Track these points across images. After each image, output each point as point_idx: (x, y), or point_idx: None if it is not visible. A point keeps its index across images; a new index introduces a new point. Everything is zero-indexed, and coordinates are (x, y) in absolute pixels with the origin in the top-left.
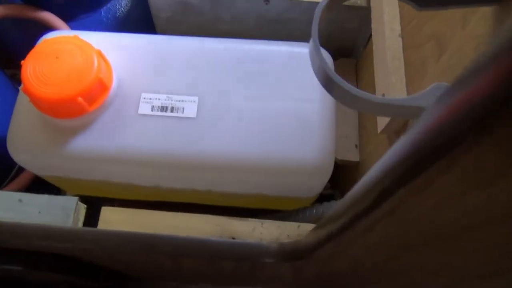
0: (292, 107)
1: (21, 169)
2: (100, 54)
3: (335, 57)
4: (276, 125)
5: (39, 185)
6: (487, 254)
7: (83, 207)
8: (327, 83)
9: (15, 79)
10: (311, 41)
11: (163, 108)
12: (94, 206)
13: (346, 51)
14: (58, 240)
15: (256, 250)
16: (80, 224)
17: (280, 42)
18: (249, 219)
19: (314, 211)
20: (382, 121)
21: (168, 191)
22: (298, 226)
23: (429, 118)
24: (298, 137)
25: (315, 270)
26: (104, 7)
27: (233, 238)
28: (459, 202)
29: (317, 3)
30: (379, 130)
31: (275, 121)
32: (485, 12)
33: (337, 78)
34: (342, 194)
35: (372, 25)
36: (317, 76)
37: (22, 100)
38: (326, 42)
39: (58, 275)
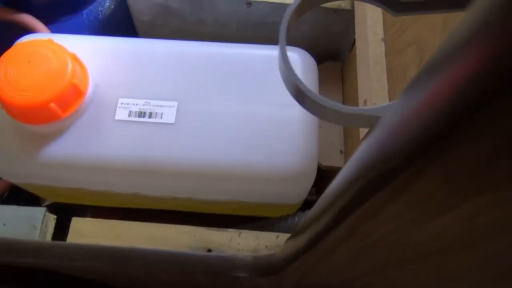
0: (273, 112)
1: None
2: (75, 58)
3: (321, 60)
4: (257, 130)
5: (16, 193)
6: (457, 276)
7: (52, 218)
8: (298, 94)
9: None
10: (279, 48)
11: (141, 114)
12: (67, 212)
13: (332, 55)
14: (22, 255)
15: (230, 264)
16: (48, 236)
17: (261, 46)
18: (227, 229)
19: (296, 219)
20: (364, 129)
21: (147, 198)
22: (277, 237)
23: (373, 141)
24: (279, 142)
25: (291, 285)
26: (86, 10)
27: (209, 250)
28: (416, 228)
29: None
30: (361, 137)
31: (256, 126)
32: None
33: (307, 90)
34: None
35: (356, 29)
36: (286, 87)
37: None
38: (312, 45)
39: None
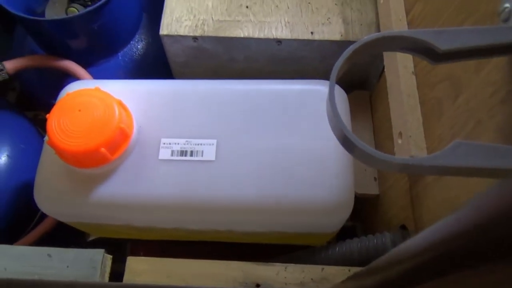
0: (308, 146)
1: (44, 215)
2: (120, 104)
3: (347, 89)
4: (293, 164)
5: (62, 229)
6: None
7: (109, 259)
8: (346, 144)
9: (37, 120)
10: (327, 102)
11: (183, 153)
12: (119, 247)
13: (359, 84)
14: None
15: None
16: (106, 276)
17: (293, 81)
18: (273, 264)
19: (337, 249)
20: None
21: (188, 232)
22: (322, 269)
23: (468, 216)
24: (315, 175)
25: None
26: (121, 51)
27: (258, 285)
28: None
29: (328, 41)
30: None
31: (292, 159)
32: (498, 61)
33: (357, 141)
34: (363, 226)
35: (385, 62)
36: (336, 136)
37: (47, 151)
38: (340, 76)
39: None
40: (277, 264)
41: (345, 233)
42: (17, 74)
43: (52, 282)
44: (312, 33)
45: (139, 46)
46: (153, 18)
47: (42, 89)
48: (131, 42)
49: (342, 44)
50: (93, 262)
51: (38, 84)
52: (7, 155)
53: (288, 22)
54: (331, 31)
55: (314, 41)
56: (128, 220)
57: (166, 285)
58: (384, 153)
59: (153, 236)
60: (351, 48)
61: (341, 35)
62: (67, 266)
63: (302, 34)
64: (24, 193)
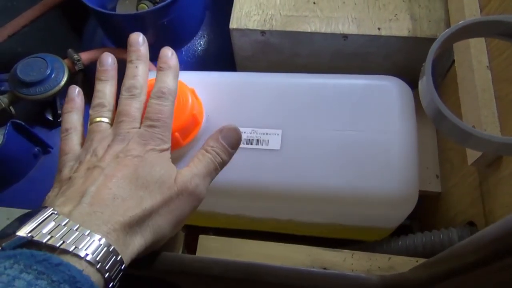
0: (372, 138)
1: None
2: (193, 93)
3: (412, 86)
4: (357, 156)
5: None
6: None
7: (182, 235)
8: (436, 117)
9: None
10: (424, 78)
11: (249, 141)
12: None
13: None
14: (165, 265)
15: (355, 282)
16: (179, 251)
17: (358, 76)
18: (340, 250)
19: (392, 244)
20: (474, 154)
21: (251, 220)
22: (389, 258)
23: None
24: (380, 168)
25: None
26: (185, 47)
27: (324, 268)
28: None
29: (395, 37)
30: (469, 162)
31: (356, 152)
32: None
33: (448, 113)
34: (420, 224)
35: (456, 57)
36: (427, 110)
37: None
38: (403, 73)
39: None
40: (344, 250)
41: (402, 231)
42: (88, 69)
43: None
44: (379, 29)
45: (201, 42)
46: (216, 15)
47: None
48: (194, 38)
49: (409, 41)
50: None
51: None
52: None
53: (355, 18)
54: (399, 27)
55: (381, 36)
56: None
57: (242, 261)
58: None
59: (218, 223)
60: (448, 31)
61: (409, 31)
62: None
63: (369, 29)
64: None
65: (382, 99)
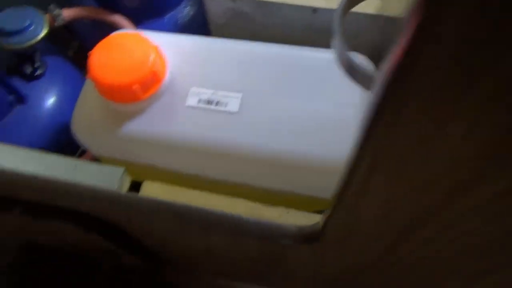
0: (331, 110)
1: (82, 155)
2: (156, 50)
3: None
4: (314, 125)
5: None
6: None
7: (127, 179)
8: (350, 70)
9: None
10: (335, 35)
11: (209, 102)
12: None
13: None
14: (103, 201)
15: (279, 231)
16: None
17: (323, 50)
18: (277, 206)
19: None
20: None
21: (206, 182)
22: None
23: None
24: (334, 138)
25: (334, 259)
26: (168, 15)
27: None
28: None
29: (363, 14)
30: None
31: (313, 122)
32: None
33: (357, 64)
34: None
35: None
36: (340, 67)
37: (87, 87)
38: (373, 53)
39: (104, 243)
40: (281, 207)
41: None
42: (75, 30)
43: (79, 185)
44: None
45: (184, 12)
46: None
47: (92, 42)
48: (177, 7)
49: (376, 19)
50: (113, 176)
51: (91, 37)
52: (56, 96)
53: None
54: (367, 5)
55: (349, 13)
56: (151, 160)
57: (173, 201)
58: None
59: (173, 182)
60: None
61: (377, 10)
62: (90, 178)
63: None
64: (67, 131)
65: (342, 74)
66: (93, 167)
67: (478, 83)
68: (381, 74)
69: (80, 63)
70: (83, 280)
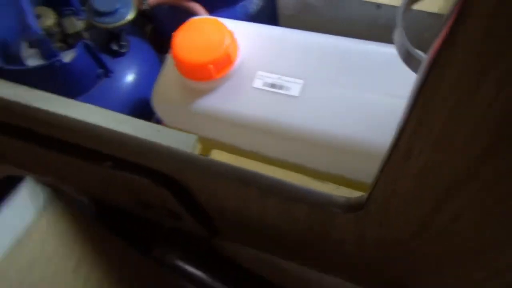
0: (387, 101)
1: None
2: (231, 35)
3: None
4: (370, 114)
5: None
6: None
7: (198, 146)
8: (408, 60)
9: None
10: (397, 28)
11: (273, 85)
12: None
13: None
14: (178, 161)
15: (329, 200)
16: None
17: (385, 44)
18: (328, 183)
19: None
20: None
21: (264, 158)
22: None
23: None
24: (388, 127)
25: (373, 231)
26: (240, 4)
27: None
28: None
29: (425, 12)
30: None
31: (370, 111)
32: None
33: (416, 54)
34: None
35: None
36: (400, 56)
37: (167, 64)
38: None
39: (170, 202)
40: (331, 184)
41: None
42: (153, 14)
43: (156, 145)
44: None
45: (255, 1)
46: None
47: (171, 26)
48: None
49: (438, 18)
50: (187, 142)
51: (169, 22)
52: (136, 72)
53: None
54: (430, 4)
55: (412, 10)
56: (217, 134)
57: (236, 166)
58: None
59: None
60: None
61: (439, 9)
62: (168, 140)
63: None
64: (144, 104)
65: (403, 68)
66: (172, 132)
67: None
68: (430, 50)
69: (153, 44)
70: (145, 237)
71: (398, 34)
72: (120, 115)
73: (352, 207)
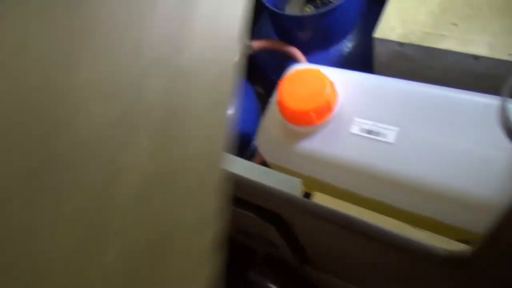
0: (481, 151)
1: (252, 155)
2: (331, 84)
3: None
4: (463, 162)
5: None
6: None
7: (302, 189)
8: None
9: (257, 93)
10: (501, 98)
11: (369, 132)
12: None
13: None
14: (282, 201)
15: (426, 250)
16: None
17: (480, 94)
18: (424, 230)
19: None
20: None
21: (360, 199)
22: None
23: None
24: (482, 176)
25: (478, 282)
26: (334, 47)
27: None
28: None
29: None
30: None
31: (463, 159)
32: None
33: None
34: None
35: None
36: (502, 129)
37: (272, 108)
38: None
39: (271, 233)
40: (429, 232)
41: None
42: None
43: (267, 187)
44: (510, 54)
45: (349, 45)
46: (366, 23)
47: (270, 67)
48: (343, 40)
49: None
50: (293, 186)
51: (268, 62)
52: (235, 109)
53: (490, 42)
54: None
55: (509, 62)
56: (317, 174)
57: (343, 212)
58: None
59: (333, 195)
60: None
61: None
62: (275, 183)
63: (500, 54)
64: (241, 137)
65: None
66: (280, 175)
67: None
68: None
69: (252, 83)
70: (241, 262)
71: (502, 111)
72: (232, 157)
73: (454, 261)
